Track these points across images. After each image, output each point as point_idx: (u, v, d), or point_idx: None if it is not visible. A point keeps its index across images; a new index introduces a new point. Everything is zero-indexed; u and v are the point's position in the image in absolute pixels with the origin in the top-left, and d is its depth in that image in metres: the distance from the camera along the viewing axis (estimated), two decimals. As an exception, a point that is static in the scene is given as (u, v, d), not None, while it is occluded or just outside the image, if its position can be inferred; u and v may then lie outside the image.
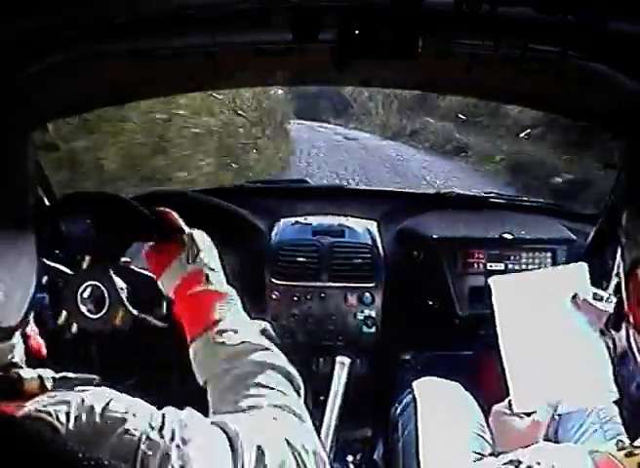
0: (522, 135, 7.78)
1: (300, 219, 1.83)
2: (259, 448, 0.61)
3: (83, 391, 0.58)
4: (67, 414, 0.54)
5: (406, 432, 1.25)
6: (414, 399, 1.29)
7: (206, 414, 0.67)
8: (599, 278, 1.12)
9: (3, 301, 0.57)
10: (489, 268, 1.74)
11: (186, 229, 0.95)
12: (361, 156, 10.19)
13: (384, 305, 1.76)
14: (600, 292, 1.03)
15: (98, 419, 0.55)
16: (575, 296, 1.02)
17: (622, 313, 0.67)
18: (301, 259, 1.75)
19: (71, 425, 0.54)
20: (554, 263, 1.73)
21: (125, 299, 1.14)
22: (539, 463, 0.64)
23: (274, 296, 1.76)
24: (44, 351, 0.91)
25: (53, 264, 1.13)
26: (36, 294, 0.63)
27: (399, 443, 1.26)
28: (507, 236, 1.73)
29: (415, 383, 1.34)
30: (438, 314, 1.78)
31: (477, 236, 1.77)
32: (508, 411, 1.05)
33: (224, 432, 0.60)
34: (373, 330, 1.77)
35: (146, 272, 1.28)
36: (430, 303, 1.80)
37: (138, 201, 1.02)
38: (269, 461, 0.61)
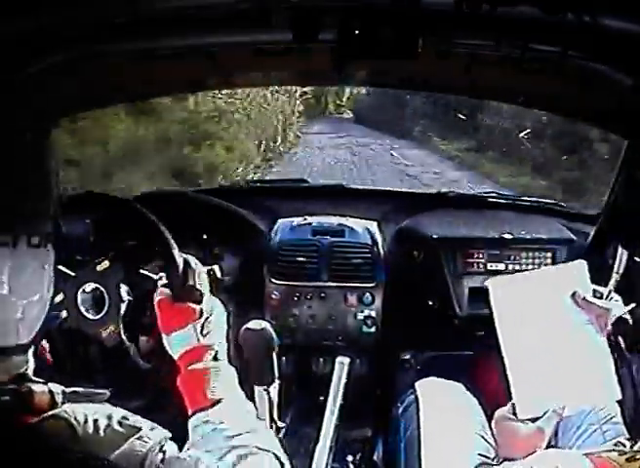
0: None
1: (300, 219, 1.83)
2: None
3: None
4: (85, 416, 0.57)
5: (408, 432, 1.25)
6: (416, 399, 1.28)
7: None
8: (599, 278, 1.11)
9: (20, 318, 0.58)
10: (489, 268, 1.73)
11: (206, 296, 0.93)
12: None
13: (384, 305, 1.76)
14: (600, 288, 1.02)
15: (115, 426, 0.58)
16: (574, 294, 1.01)
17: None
18: (301, 259, 1.75)
19: (88, 427, 0.57)
20: (554, 263, 1.73)
21: (121, 314, 1.14)
22: None
23: (274, 296, 1.76)
24: (50, 360, 0.91)
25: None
26: (51, 311, 0.64)
27: (401, 443, 1.26)
28: (507, 236, 1.73)
29: (417, 383, 1.33)
30: (438, 314, 1.78)
31: (477, 236, 1.76)
32: (512, 417, 1.02)
33: None
34: (373, 329, 1.77)
35: (146, 272, 1.29)
36: (430, 303, 1.80)
37: (138, 201, 1.02)
38: None
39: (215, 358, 0.88)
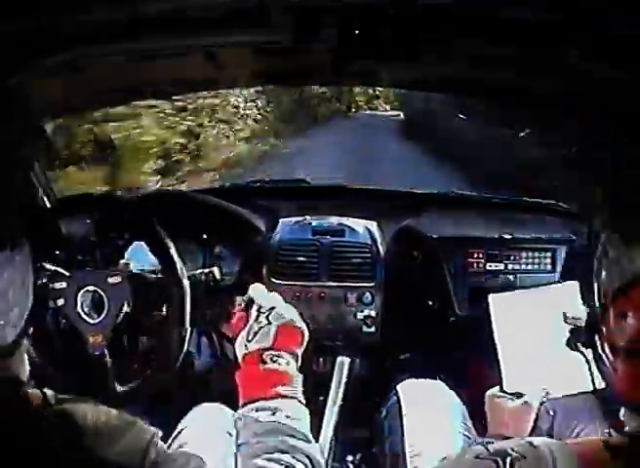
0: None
1: (300, 219, 1.83)
2: None
3: None
4: (86, 412, 0.58)
5: (392, 434, 1.28)
6: (398, 400, 1.32)
7: None
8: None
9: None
10: (488, 268, 1.74)
11: (255, 300, 0.95)
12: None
13: (384, 305, 1.76)
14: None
15: (115, 421, 0.59)
16: (565, 316, 1.07)
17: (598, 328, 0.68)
18: (301, 259, 1.75)
19: (90, 422, 0.58)
20: (554, 263, 1.74)
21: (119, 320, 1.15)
22: (524, 457, 0.64)
23: (274, 296, 1.75)
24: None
25: (52, 267, 1.13)
26: (33, 309, 0.64)
27: (386, 444, 1.29)
28: (507, 236, 1.73)
29: (399, 385, 1.36)
30: (438, 314, 1.78)
31: (477, 236, 1.77)
32: (501, 394, 1.12)
33: None
34: (373, 329, 1.77)
35: (146, 272, 1.29)
36: (430, 303, 1.80)
37: (138, 201, 1.02)
38: None
39: (262, 360, 0.88)
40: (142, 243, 1.27)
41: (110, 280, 1.19)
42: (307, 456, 0.77)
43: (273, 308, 0.93)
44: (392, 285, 1.77)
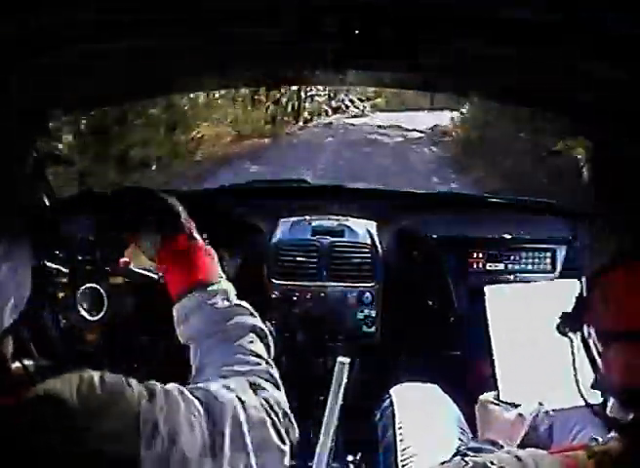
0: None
1: (300, 219, 1.83)
2: (237, 409, 0.66)
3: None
4: (71, 392, 0.57)
5: (385, 437, 1.28)
6: (391, 404, 1.32)
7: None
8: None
9: None
10: (488, 268, 1.74)
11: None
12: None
13: (384, 305, 1.76)
14: None
15: (98, 391, 0.58)
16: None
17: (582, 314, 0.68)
18: (301, 259, 1.76)
19: (75, 399, 0.56)
20: (553, 263, 1.73)
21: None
22: None
23: (274, 296, 1.76)
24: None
25: (53, 266, 1.13)
26: (30, 300, 0.64)
27: (379, 448, 1.30)
28: (507, 236, 1.73)
29: (392, 389, 1.36)
30: (438, 314, 1.78)
31: (477, 236, 1.77)
32: (496, 401, 1.11)
33: (207, 400, 0.65)
34: (373, 329, 1.77)
35: (144, 272, 1.29)
36: (430, 303, 1.80)
37: (139, 199, 1.01)
38: (249, 423, 0.66)
39: (192, 237, 0.89)
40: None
41: (110, 278, 1.19)
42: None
43: None
44: (392, 285, 1.77)
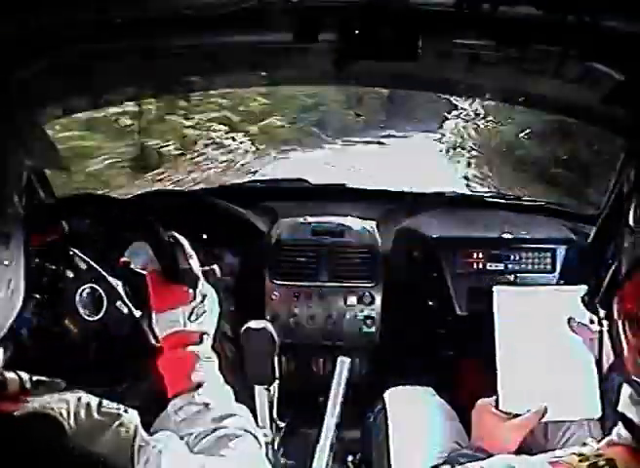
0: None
1: (300, 219, 1.83)
2: None
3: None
4: (68, 412, 0.57)
5: (378, 440, 1.28)
6: (384, 408, 1.31)
7: None
8: (597, 277, 1.13)
9: None
10: (488, 268, 1.73)
11: (201, 281, 0.94)
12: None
13: (384, 305, 1.76)
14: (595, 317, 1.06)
15: (95, 415, 0.58)
16: (570, 319, 1.05)
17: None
18: (301, 259, 1.76)
19: (72, 421, 0.57)
20: (553, 263, 1.73)
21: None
22: None
23: (274, 296, 1.76)
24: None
25: (52, 266, 1.13)
26: (24, 307, 0.64)
27: (372, 451, 1.30)
28: (507, 236, 1.73)
29: (386, 393, 1.36)
30: (437, 314, 1.78)
31: (477, 236, 1.76)
32: (494, 409, 1.06)
33: None
34: (373, 329, 1.77)
35: (144, 272, 1.28)
36: (430, 303, 1.80)
37: (139, 199, 1.02)
38: None
39: (199, 343, 0.88)
40: (143, 242, 1.27)
41: (110, 278, 1.19)
42: (243, 428, 0.79)
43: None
44: (392, 285, 1.77)
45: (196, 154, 7.29)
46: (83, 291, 1.18)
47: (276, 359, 1.18)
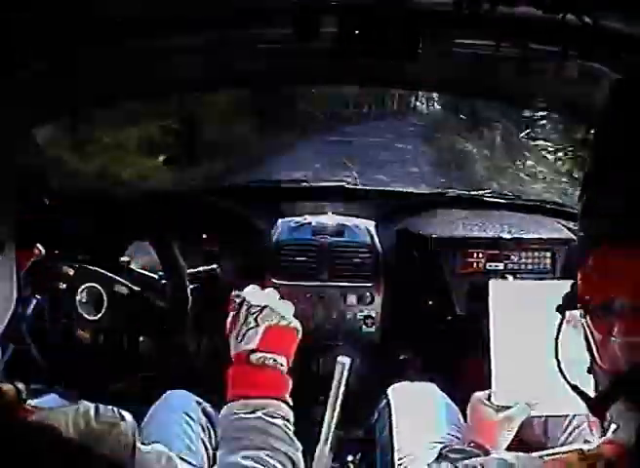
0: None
1: (300, 219, 1.83)
2: None
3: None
4: (66, 422, 0.57)
5: (382, 436, 1.29)
6: (388, 404, 1.32)
7: None
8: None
9: None
10: (488, 268, 1.73)
11: (246, 299, 0.94)
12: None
13: (384, 305, 1.76)
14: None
15: (94, 424, 0.58)
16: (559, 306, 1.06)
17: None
18: (301, 259, 1.75)
19: (72, 431, 0.57)
20: (553, 263, 1.73)
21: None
22: None
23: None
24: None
25: (53, 265, 1.13)
26: (17, 310, 0.63)
27: (377, 448, 1.30)
28: (507, 236, 1.73)
29: (389, 389, 1.36)
30: (437, 313, 1.78)
31: (476, 236, 1.76)
32: (486, 402, 1.09)
33: None
34: (373, 329, 1.77)
35: (144, 272, 1.29)
36: (430, 303, 1.80)
37: (139, 199, 1.02)
38: None
39: (248, 360, 0.90)
40: (144, 242, 1.27)
41: (110, 278, 1.19)
42: (290, 459, 0.79)
43: (264, 308, 0.93)
44: (392, 285, 1.77)
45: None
46: (84, 289, 1.18)
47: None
